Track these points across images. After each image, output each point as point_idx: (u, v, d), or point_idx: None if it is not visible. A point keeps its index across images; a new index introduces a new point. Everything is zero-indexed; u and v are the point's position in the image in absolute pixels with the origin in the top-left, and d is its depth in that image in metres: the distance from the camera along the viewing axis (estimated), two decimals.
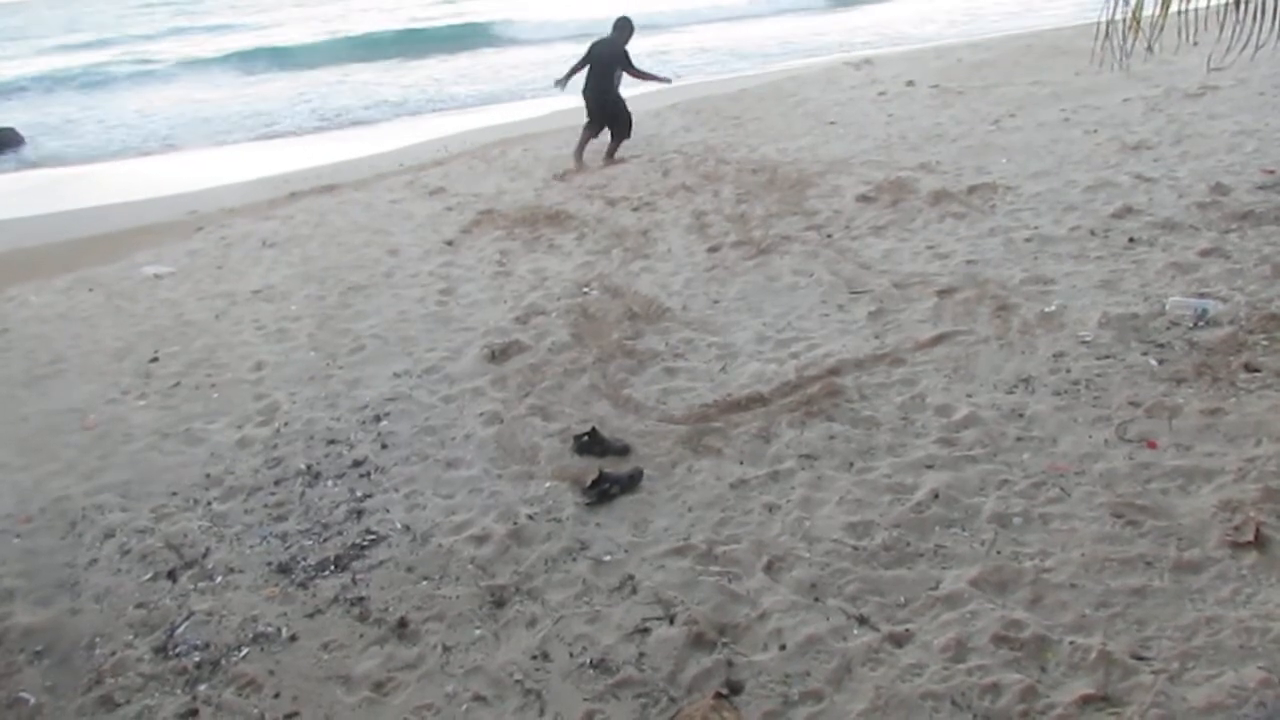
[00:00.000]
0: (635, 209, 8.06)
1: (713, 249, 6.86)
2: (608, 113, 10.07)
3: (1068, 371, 4.53)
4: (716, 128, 10.81)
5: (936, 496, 3.73)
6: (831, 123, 10.31)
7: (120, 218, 10.96)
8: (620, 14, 10.19)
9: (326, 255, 7.87)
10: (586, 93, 10.09)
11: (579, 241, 7.40)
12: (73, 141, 20.14)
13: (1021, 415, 4.24)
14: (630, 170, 9.40)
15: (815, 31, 24.03)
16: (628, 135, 10.16)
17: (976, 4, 25.63)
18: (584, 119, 10.19)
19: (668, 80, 10.57)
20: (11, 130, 19.87)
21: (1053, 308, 5.16)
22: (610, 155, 10.01)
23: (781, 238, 6.86)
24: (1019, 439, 4.07)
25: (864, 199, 7.47)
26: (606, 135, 10.14)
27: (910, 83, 11.89)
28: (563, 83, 10.18)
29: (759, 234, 7.00)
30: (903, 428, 4.29)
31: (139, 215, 10.87)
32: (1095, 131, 8.47)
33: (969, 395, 4.46)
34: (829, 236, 6.80)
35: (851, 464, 4.07)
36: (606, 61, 9.91)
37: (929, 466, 3.95)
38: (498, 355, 5.48)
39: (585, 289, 6.36)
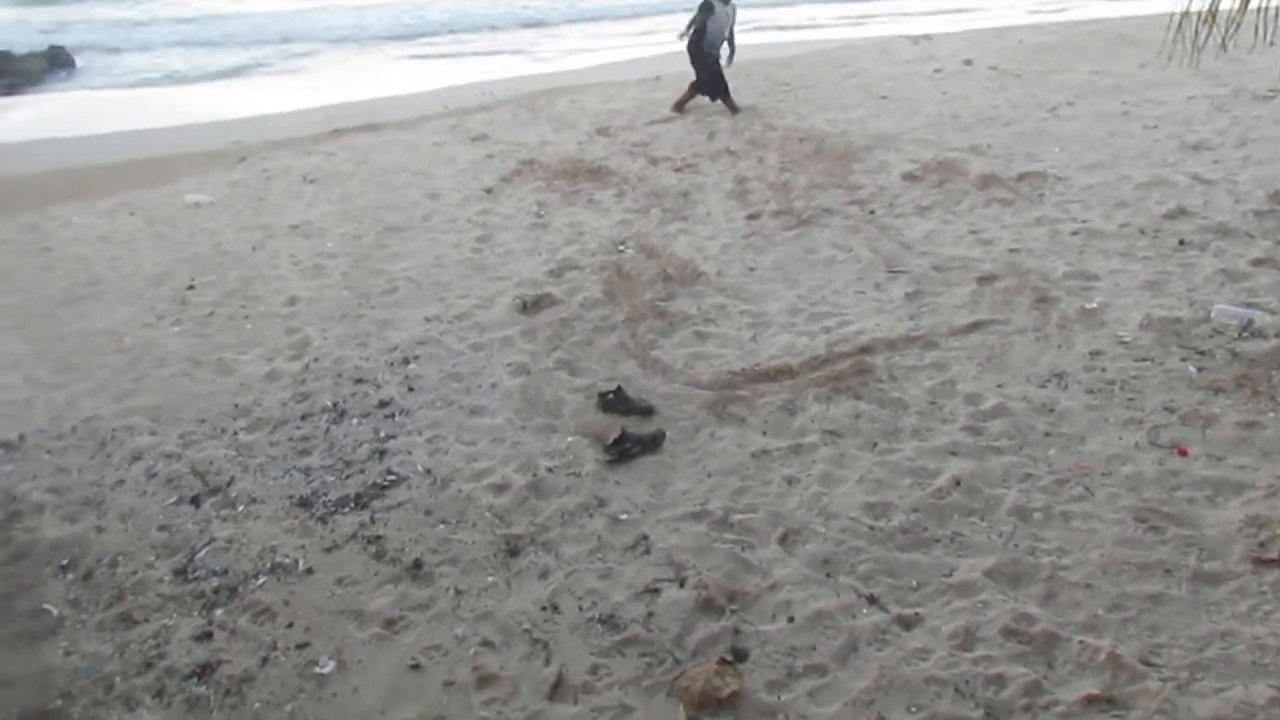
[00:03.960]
0: (677, 169, 7.99)
1: (752, 216, 6.79)
2: (703, 73, 10.02)
3: (1103, 370, 4.46)
4: (766, 93, 10.66)
5: (958, 484, 3.70)
6: (883, 97, 10.12)
7: (165, 143, 11.04)
8: None
9: (366, 194, 7.88)
10: (690, 49, 10.02)
11: (618, 198, 7.35)
12: (123, 62, 20.24)
13: (1052, 410, 4.18)
14: (675, 130, 9.31)
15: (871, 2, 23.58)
16: (703, 90, 10.07)
17: None
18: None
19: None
20: (62, 49, 19.97)
21: (1094, 305, 5.07)
22: (731, 109, 9.95)
23: (823, 210, 6.78)
24: (1047, 434, 4.02)
25: (910, 177, 7.35)
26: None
27: (968, 62, 11.63)
28: (682, 34, 10.00)
29: (800, 204, 6.92)
30: (930, 412, 4.25)
31: (184, 142, 10.95)
32: (1155, 127, 8.25)
33: (1000, 385, 4.41)
34: (871, 213, 6.71)
35: (875, 444, 4.04)
36: (698, 18, 9.84)
37: (953, 453, 3.92)
38: (529, 307, 5.48)
39: (621, 247, 6.34)
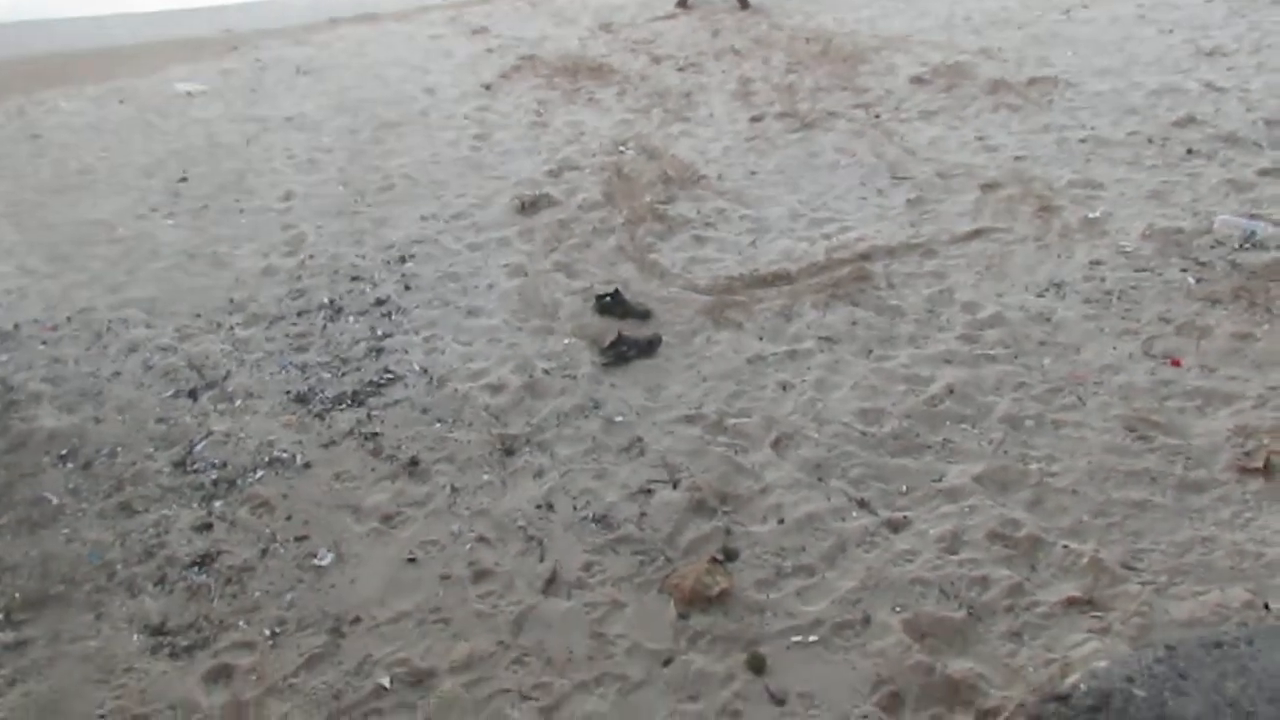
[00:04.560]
0: (680, 69, 7.81)
1: (755, 118, 6.66)
2: None
3: (1102, 280, 4.45)
4: None
5: (951, 391, 3.72)
6: None
7: (155, 28, 10.72)
8: None
9: (362, 87, 7.71)
10: None
11: (619, 97, 7.20)
12: None
13: (1048, 320, 4.18)
14: (679, 27, 9.06)
15: None
16: None
17: None
18: None
19: None
20: None
21: (1097, 214, 5.02)
22: (743, 4, 9.68)
23: (828, 113, 6.65)
24: (1042, 343, 4.03)
25: (918, 80, 7.19)
26: None
27: None
28: None
29: (805, 107, 6.79)
30: (926, 320, 4.25)
31: (174, 26, 10.63)
32: (1170, 32, 8.03)
33: (998, 294, 4.40)
34: (877, 117, 6.58)
35: (870, 351, 4.05)
36: None
37: (947, 361, 3.93)
38: (527, 207, 5.42)
39: (621, 147, 6.23)
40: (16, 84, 8.28)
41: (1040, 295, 4.39)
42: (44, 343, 4.42)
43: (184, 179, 6.10)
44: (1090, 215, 5.00)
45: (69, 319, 4.59)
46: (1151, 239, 4.73)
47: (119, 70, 8.65)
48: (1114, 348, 3.97)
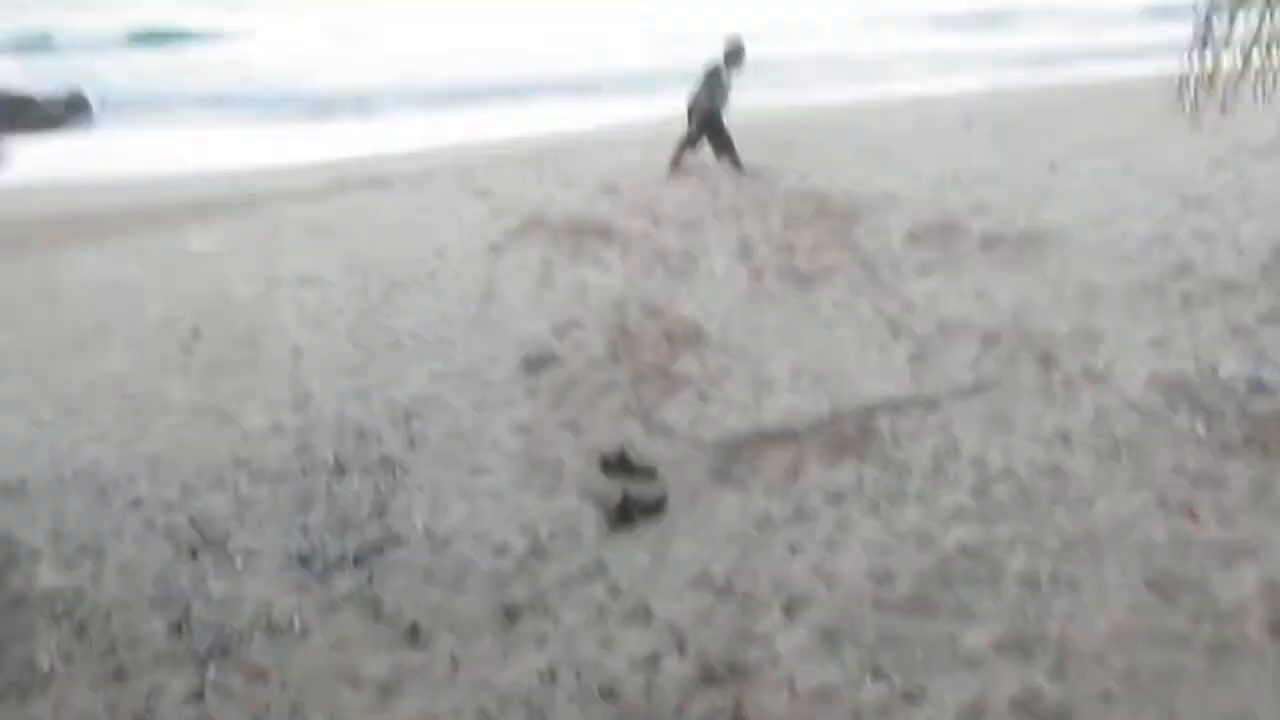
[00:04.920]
0: (681, 228, 8.04)
1: (756, 275, 6.82)
2: (703, 125, 9.93)
3: (1110, 431, 4.44)
4: (768, 153, 10.73)
5: (963, 550, 3.66)
6: (885, 157, 10.21)
7: (175, 189, 11.14)
8: (733, 37, 10.07)
9: (372, 249, 7.92)
10: (690, 109, 9.95)
11: (623, 257, 7.38)
12: (140, 107, 20.53)
13: (1059, 472, 4.16)
14: (679, 190, 9.38)
15: (875, 61, 23.96)
16: (730, 143, 10.00)
17: (1043, 42, 25.37)
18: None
19: (691, 141, 10.09)
20: (81, 94, 20.27)
21: (1099, 363, 5.06)
22: (735, 167, 9.88)
23: (826, 270, 6.81)
24: (1054, 498, 3.98)
25: (913, 237, 7.38)
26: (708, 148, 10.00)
27: (967, 121, 11.78)
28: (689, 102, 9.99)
29: (804, 264, 6.96)
30: (934, 475, 4.22)
31: (194, 188, 11.05)
32: (1156, 183, 8.32)
33: (1005, 447, 4.39)
34: (874, 273, 6.73)
35: (879, 507, 4.01)
36: (707, 76, 9.81)
37: (958, 518, 3.89)
38: (533, 365, 5.48)
39: (625, 306, 6.35)
40: (40, 242, 8.55)
41: (1048, 447, 4.37)
42: (50, 496, 4.39)
43: (196, 335, 6.19)
44: (1092, 365, 5.04)
45: (75, 473, 4.58)
46: (1156, 387, 4.76)
47: (138, 229, 8.93)
48: (1128, 500, 3.92)
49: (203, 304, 6.77)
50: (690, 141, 10.06)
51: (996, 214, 7.79)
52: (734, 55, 9.85)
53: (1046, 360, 5.16)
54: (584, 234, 7.94)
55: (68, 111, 19.41)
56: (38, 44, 29.07)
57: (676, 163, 10.03)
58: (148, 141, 16.35)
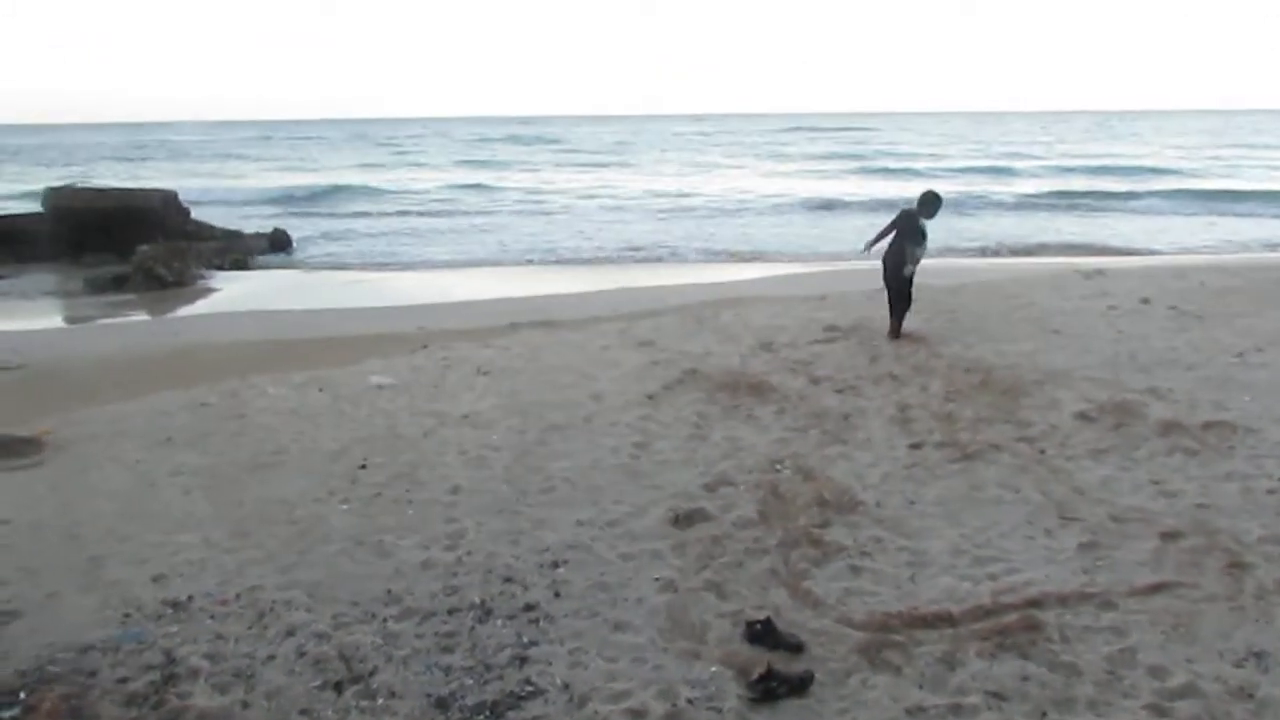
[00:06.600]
0: (839, 390, 7.98)
1: (915, 445, 6.64)
2: (894, 286, 9.83)
3: None
4: (931, 319, 10.65)
5: None
6: (1055, 331, 9.93)
7: (358, 323, 11.98)
8: (929, 189, 10.12)
9: (534, 390, 8.21)
10: (885, 260, 9.87)
11: (778, 416, 7.36)
12: (335, 247, 22.59)
13: (1251, 696, 3.75)
14: (837, 351, 9.37)
15: (1043, 230, 23.68)
16: (906, 309, 9.94)
17: (1227, 226, 24.54)
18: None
19: (912, 264, 9.87)
20: (283, 231, 22.47)
21: None
22: (894, 332, 9.82)
23: (989, 445, 6.56)
24: None
25: (1083, 417, 7.06)
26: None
27: (1145, 300, 11.35)
28: (869, 244, 9.95)
29: (965, 437, 6.74)
30: (1108, 683, 3.88)
31: (375, 323, 11.86)
32: None
33: (1189, 660, 4.00)
34: (1042, 452, 6.44)
35: (1045, 714, 3.70)
36: (904, 233, 9.69)
37: None
38: (681, 520, 5.46)
39: (778, 466, 6.29)
40: (235, 367, 9.30)
41: (1239, 665, 3.97)
42: (212, 617, 4.60)
43: (364, 466, 6.50)
44: None
45: (239, 595, 4.80)
46: None
47: (322, 360, 9.61)
48: None
49: (372, 436, 7.14)
50: (907, 301, 9.92)
51: (1176, 400, 7.39)
52: (929, 205, 9.75)
53: (1236, 566, 4.74)
54: (740, 390, 8.00)
55: (271, 247, 21.48)
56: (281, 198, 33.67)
57: (898, 331, 9.87)
58: (338, 276, 17.78)
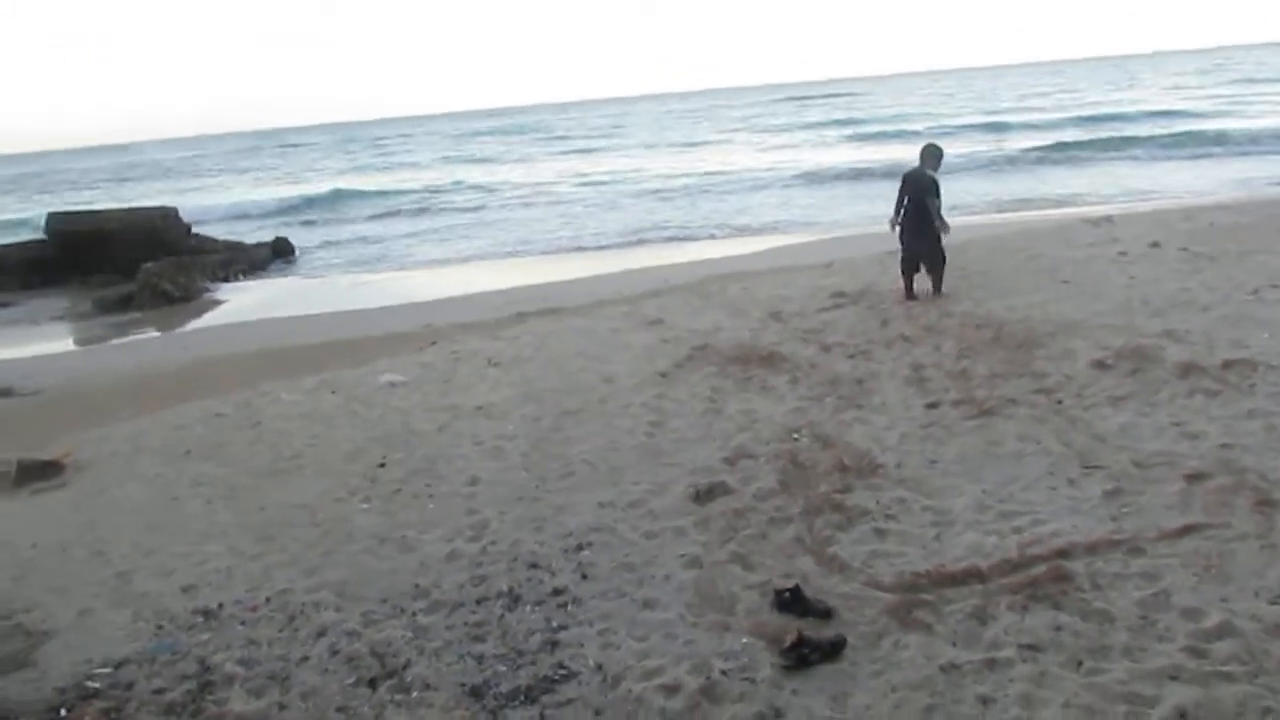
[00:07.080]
0: (851, 356, 7.94)
1: (931, 405, 6.60)
2: (925, 247, 9.72)
3: None
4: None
5: (1183, 716, 3.29)
6: (1065, 281, 9.84)
7: (365, 325, 12.01)
8: (928, 142, 10.07)
9: (545, 378, 8.21)
10: (903, 224, 9.74)
11: (792, 385, 7.34)
12: (337, 253, 22.61)
13: None
14: (847, 316, 9.33)
15: (1047, 184, 23.47)
16: (943, 267, 9.86)
17: (1233, 166, 24.26)
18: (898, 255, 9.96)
19: (946, 230, 9.72)
20: (285, 240, 22.52)
21: None
22: (937, 290, 9.75)
23: (1006, 400, 6.52)
24: None
25: (1100, 365, 7.00)
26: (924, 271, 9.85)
27: (1155, 244, 11.24)
28: (895, 221, 9.83)
29: (982, 394, 6.69)
30: (1142, 628, 3.85)
31: (381, 324, 11.87)
32: None
33: (1223, 600, 3.97)
34: (1059, 403, 6.39)
35: (1080, 662, 3.68)
36: (919, 191, 9.57)
37: (1173, 678, 3.51)
38: (702, 496, 5.44)
39: (795, 435, 6.27)
40: (246, 376, 9.34)
41: (1274, 603, 3.93)
42: (243, 623, 4.62)
43: (382, 464, 6.52)
44: None
45: (268, 600, 4.82)
46: None
47: (332, 363, 9.63)
48: None
49: (388, 434, 7.15)
50: (911, 263, 9.84)
51: (1193, 342, 7.31)
52: (932, 157, 9.71)
53: (1265, 503, 4.70)
54: (751, 362, 7.97)
55: (274, 256, 21.54)
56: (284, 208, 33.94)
57: (910, 292, 9.82)
58: (342, 280, 17.80)
